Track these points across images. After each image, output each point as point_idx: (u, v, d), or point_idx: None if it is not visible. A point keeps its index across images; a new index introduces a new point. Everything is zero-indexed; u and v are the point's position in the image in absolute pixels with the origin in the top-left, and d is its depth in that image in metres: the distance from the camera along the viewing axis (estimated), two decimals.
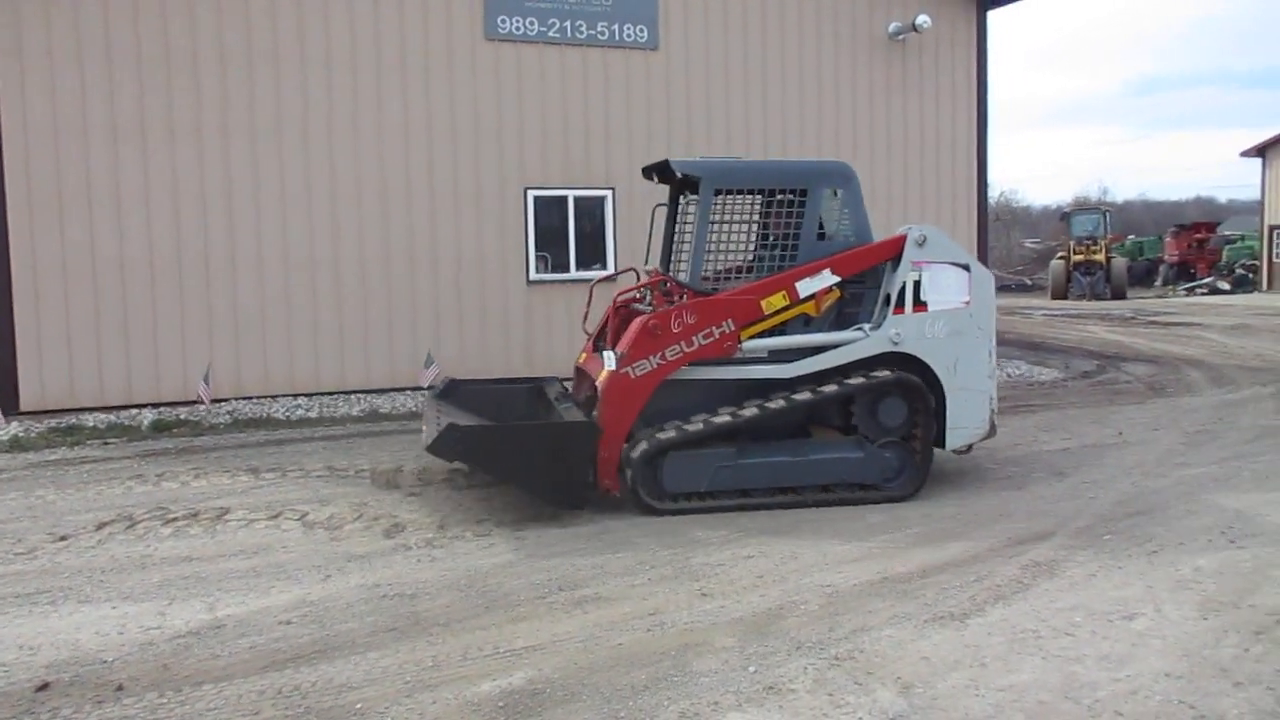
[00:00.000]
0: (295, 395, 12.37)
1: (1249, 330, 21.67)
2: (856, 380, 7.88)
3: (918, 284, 8.04)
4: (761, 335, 7.97)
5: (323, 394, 12.47)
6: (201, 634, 5.33)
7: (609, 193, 13.68)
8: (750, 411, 7.73)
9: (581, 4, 13.35)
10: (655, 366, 7.67)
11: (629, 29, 13.61)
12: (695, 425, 7.63)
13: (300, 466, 9.39)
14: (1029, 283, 44.60)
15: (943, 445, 8.18)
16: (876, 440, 7.97)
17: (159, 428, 11.19)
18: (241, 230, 12.09)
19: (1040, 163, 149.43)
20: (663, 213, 9.28)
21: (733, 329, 7.81)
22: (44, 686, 4.70)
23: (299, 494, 8.38)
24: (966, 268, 8.20)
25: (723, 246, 8.83)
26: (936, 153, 15.36)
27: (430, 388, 12.65)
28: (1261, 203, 37.18)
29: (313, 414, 12.04)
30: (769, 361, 7.96)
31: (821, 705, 4.46)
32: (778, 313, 7.97)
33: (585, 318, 9.47)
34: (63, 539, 7.14)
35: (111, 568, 6.49)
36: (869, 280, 8.26)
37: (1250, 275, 37.80)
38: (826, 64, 14.80)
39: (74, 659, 5.02)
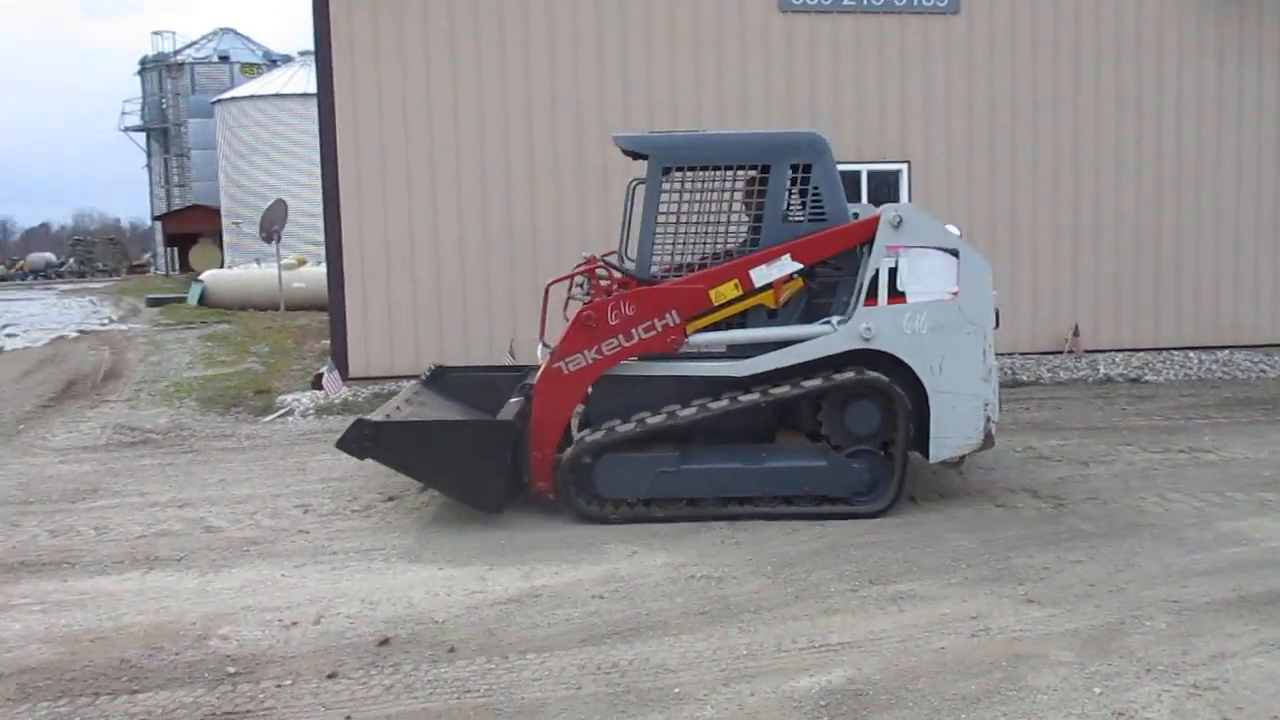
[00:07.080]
0: None
1: None
2: (816, 380, 6.95)
3: (893, 272, 7.00)
4: (714, 328, 7.14)
5: None
6: (522, 601, 5.52)
7: (904, 166, 13.09)
8: (690, 411, 6.94)
9: None
10: (590, 361, 7.01)
11: None
12: (628, 425, 6.95)
13: None
14: None
15: (926, 456, 7.16)
16: (846, 448, 7.03)
17: None
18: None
19: None
20: (639, 191, 7.92)
21: (677, 321, 7.00)
22: (385, 641, 5.02)
23: None
24: (955, 254, 7.05)
25: (679, 232, 7.53)
26: None
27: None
28: None
29: None
30: (722, 358, 7.17)
31: None
32: (730, 303, 7.09)
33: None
34: (391, 499, 7.67)
35: (435, 529, 6.90)
36: (845, 268, 7.26)
37: None
38: (1147, 23, 13.37)
39: (409, 616, 5.33)
